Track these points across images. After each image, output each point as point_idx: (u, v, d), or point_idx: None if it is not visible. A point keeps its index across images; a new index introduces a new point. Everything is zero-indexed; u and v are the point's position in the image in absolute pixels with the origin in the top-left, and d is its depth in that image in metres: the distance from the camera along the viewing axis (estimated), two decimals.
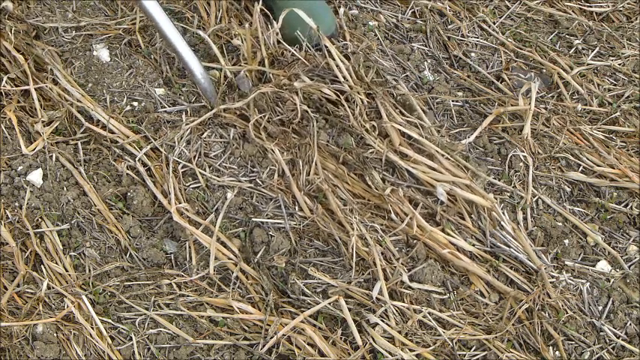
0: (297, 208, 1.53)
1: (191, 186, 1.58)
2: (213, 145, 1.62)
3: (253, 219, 1.52)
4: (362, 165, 1.58)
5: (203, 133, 1.63)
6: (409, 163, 1.59)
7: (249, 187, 1.57)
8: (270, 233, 1.50)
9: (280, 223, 1.51)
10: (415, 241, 1.51)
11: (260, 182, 1.58)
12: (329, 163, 1.60)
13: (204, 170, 1.59)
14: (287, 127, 1.63)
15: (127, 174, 1.58)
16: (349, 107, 1.63)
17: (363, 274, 1.46)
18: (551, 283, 1.49)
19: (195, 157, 1.60)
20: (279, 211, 1.53)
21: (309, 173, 1.55)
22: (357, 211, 1.52)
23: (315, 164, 1.55)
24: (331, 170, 1.59)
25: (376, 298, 1.42)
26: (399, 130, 1.62)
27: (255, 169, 1.60)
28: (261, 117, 1.63)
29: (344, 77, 1.66)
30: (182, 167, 1.59)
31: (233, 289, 1.46)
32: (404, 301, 1.44)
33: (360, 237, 1.47)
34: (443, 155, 1.60)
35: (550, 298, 1.47)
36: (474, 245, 1.52)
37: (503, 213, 1.57)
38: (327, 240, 1.51)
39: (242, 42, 1.72)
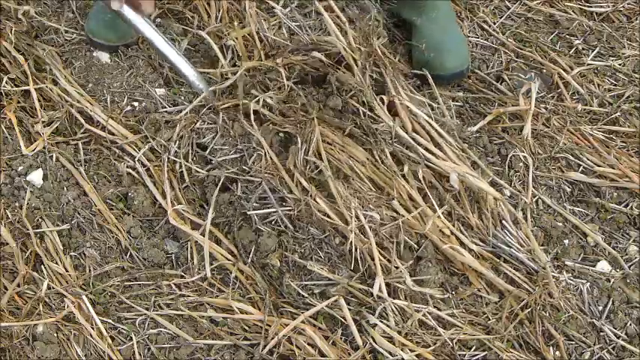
0: (285, 191, 1.50)
1: (190, 185, 1.58)
2: (206, 133, 1.61)
3: (246, 212, 1.50)
4: (372, 138, 1.55)
5: (196, 124, 1.62)
6: (419, 146, 1.58)
7: (239, 175, 1.54)
8: (262, 228, 1.49)
9: (273, 213, 1.49)
10: (420, 237, 1.50)
11: (248, 169, 1.54)
12: (335, 137, 1.56)
13: (199, 163, 1.58)
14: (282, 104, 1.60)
15: (128, 174, 1.58)
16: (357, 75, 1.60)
17: (361, 269, 1.45)
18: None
19: (188, 152, 1.58)
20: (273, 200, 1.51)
21: (308, 152, 1.51)
22: (358, 197, 1.49)
23: (317, 142, 1.52)
24: (337, 145, 1.55)
25: (377, 295, 1.41)
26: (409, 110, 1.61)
27: (247, 150, 1.58)
28: (250, 100, 1.60)
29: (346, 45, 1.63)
30: (180, 167, 1.58)
31: (233, 289, 1.46)
32: (404, 300, 1.43)
33: (359, 228, 1.45)
34: (451, 144, 1.60)
35: (552, 297, 1.47)
36: (475, 244, 1.52)
37: (505, 212, 1.57)
38: (323, 228, 1.49)
39: (234, 42, 1.72)
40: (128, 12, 1.64)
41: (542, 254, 1.51)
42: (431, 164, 1.57)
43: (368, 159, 1.56)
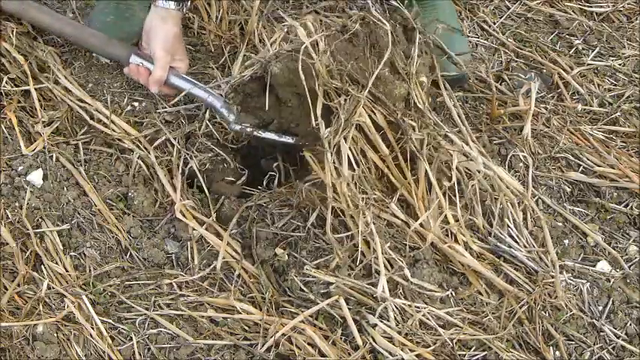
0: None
1: (194, 185, 1.58)
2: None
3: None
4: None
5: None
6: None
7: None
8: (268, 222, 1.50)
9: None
10: (420, 237, 1.49)
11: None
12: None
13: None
14: None
15: (128, 174, 1.58)
16: None
17: (362, 268, 1.44)
18: (550, 283, 1.49)
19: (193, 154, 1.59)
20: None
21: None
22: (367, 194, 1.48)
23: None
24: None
25: (380, 295, 1.40)
26: None
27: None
28: None
29: None
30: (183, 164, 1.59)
31: (235, 287, 1.46)
32: (405, 299, 1.43)
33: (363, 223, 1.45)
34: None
35: (555, 297, 1.47)
36: (474, 242, 1.52)
37: (503, 213, 1.56)
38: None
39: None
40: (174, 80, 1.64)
41: (553, 254, 1.51)
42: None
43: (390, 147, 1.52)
